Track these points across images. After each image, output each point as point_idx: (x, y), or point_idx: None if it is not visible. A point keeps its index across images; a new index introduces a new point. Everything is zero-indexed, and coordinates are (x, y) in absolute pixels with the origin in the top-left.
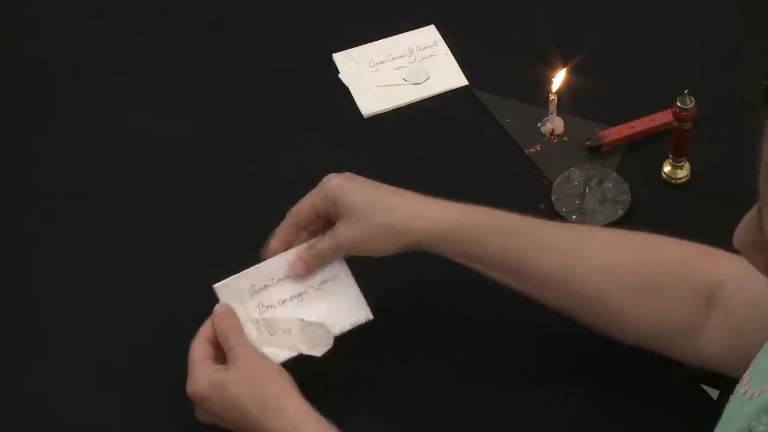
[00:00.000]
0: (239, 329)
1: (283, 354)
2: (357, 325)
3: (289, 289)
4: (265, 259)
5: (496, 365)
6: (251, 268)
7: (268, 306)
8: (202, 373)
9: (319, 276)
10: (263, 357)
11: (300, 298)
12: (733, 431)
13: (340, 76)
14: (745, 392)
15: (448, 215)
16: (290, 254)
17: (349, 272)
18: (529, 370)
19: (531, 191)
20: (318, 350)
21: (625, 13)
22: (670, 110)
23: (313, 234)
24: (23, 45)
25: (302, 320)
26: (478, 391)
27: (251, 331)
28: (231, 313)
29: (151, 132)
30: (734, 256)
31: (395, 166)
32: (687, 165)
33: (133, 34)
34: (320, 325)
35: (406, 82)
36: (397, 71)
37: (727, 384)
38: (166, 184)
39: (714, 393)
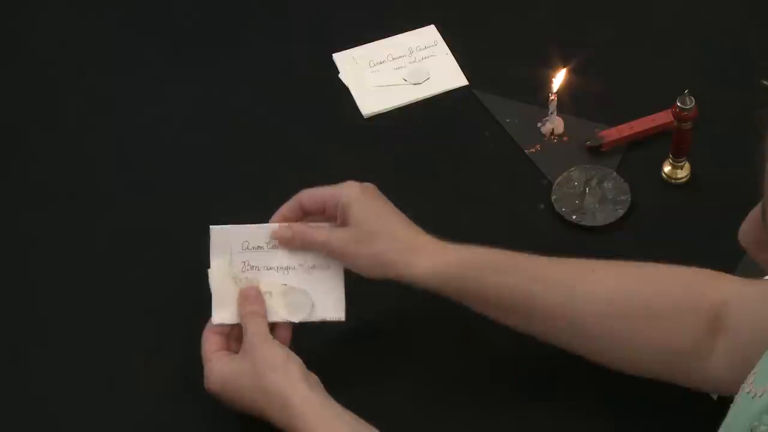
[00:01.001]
0: (260, 315)
1: None
2: (326, 321)
3: (280, 259)
4: None
5: (493, 366)
6: (253, 224)
7: (253, 266)
8: (212, 369)
9: (312, 259)
10: (273, 345)
11: (286, 271)
12: (736, 431)
13: (340, 76)
14: (749, 392)
15: (446, 253)
16: (294, 226)
17: (342, 269)
18: (527, 370)
19: (531, 191)
20: (296, 316)
21: (626, 13)
22: (670, 110)
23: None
24: (23, 45)
25: (285, 285)
26: (474, 392)
27: (230, 285)
28: (257, 299)
29: (151, 132)
30: (736, 278)
31: (395, 166)
32: (687, 165)
33: (133, 34)
34: (303, 291)
35: (406, 82)
36: (397, 71)
37: None
38: (166, 185)
39: (714, 393)
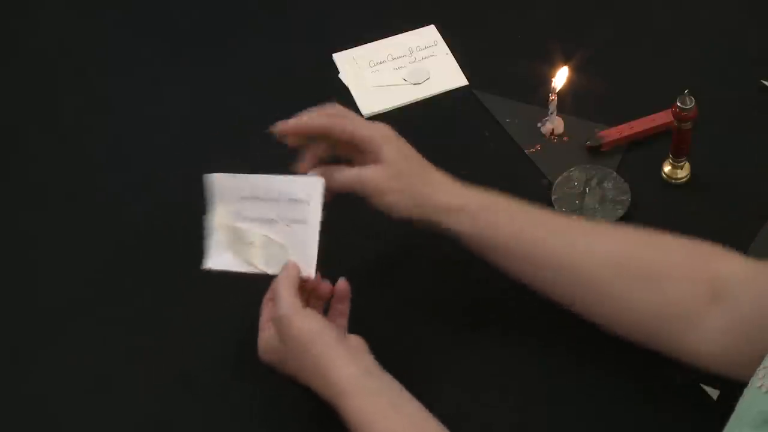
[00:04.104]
0: (291, 283)
1: (239, 266)
2: None
3: (266, 211)
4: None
5: (493, 366)
6: (257, 175)
7: (244, 216)
8: (262, 339)
9: (292, 213)
10: (304, 318)
11: (270, 224)
12: (748, 426)
13: (340, 76)
14: (761, 386)
15: (465, 193)
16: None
17: (318, 225)
18: (528, 371)
19: (531, 191)
20: (271, 269)
21: (626, 13)
22: (670, 110)
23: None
24: (23, 45)
25: (266, 236)
26: (475, 392)
27: (224, 232)
28: (294, 266)
29: (151, 132)
30: (741, 256)
31: None
32: (687, 165)
33: (133, 34)
34: (281, 246)
35: (406, 82)
36: (397, 71)
37: (728, 384)
38: (167, 185)
39: (714, 393)
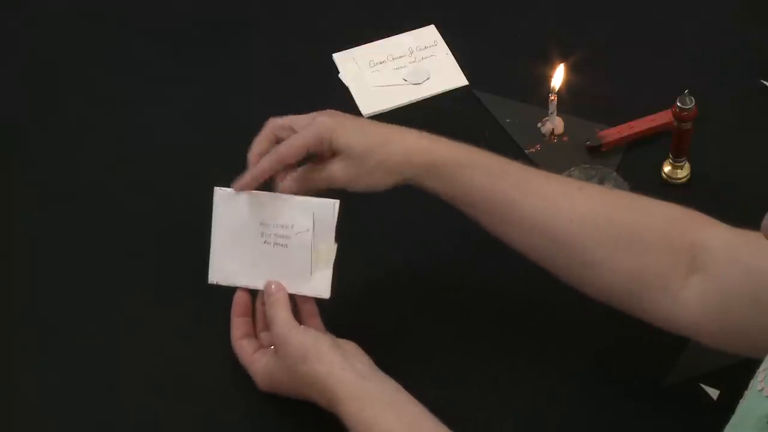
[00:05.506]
0: (283, 304)
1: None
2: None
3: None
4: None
5: (492, 364)
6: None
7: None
8: (257, 372)
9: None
10: (298, 334)
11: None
12: (751, 429)
13: (340, 76)
14: (762, 389)
15: (438, 150)
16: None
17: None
18: (527, 370)
19: None
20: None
21: (626, 13)
22: (670, 110)
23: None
24: (23, 45)
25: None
26: (474, 391)
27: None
28: (279, 287)
29: (151, 132)
30: (719, 223)
31: None
32: (687, 165)
33: (134, 34)
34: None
35: (406, 82)
36: (397, 71)
37: (728, 384)
38: (168, 185)
39: (714, 393)
